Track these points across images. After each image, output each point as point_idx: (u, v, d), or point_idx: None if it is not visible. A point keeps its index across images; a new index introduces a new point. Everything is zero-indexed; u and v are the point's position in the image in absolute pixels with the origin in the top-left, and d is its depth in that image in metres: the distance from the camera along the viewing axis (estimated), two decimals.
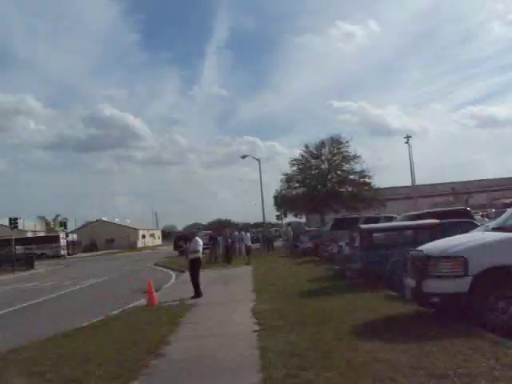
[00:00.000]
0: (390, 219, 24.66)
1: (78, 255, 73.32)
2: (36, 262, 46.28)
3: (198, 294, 14.74)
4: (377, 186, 49.63)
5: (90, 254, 77.37)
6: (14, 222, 53.89)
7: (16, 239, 59.22)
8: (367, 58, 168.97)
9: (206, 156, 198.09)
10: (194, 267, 15.14)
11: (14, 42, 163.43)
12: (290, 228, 43.22)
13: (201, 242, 15.46)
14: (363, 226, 16.11)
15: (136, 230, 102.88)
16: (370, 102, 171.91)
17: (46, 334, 10.60)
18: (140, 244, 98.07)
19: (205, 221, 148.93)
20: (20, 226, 60.43)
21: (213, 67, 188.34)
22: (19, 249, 59.76)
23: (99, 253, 78.29)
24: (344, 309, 10.16)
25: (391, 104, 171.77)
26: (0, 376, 7.36)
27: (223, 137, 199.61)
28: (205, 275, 16.73)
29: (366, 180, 48.67)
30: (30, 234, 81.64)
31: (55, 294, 20.53)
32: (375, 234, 15.37)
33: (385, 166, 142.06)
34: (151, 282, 14.58)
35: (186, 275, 20.58)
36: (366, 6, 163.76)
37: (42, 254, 65.98)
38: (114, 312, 13.28)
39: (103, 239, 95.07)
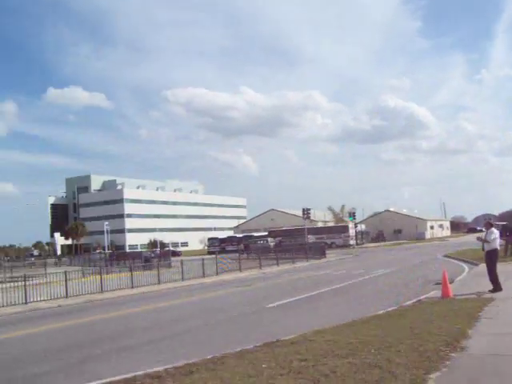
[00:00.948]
0: None
1: (365, 245, 75.52)
2: (327, 251, 48.50)
3: (496, 288, 13.76)
4: None
5: (378, 244, 78.94)
6: (306, 213, 58.15)
7: (308, 229, 63.95)
8: None
9: (498, 142, 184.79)
10: (490, 259, 14.14)
11: (301, 41, 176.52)
12: None
13: (496, 233, 14.36)
14: None
15: (424, 220, 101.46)
16: None
17: (343, 319, 11.21)
18: (428, 235, 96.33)
19: (496, 211, 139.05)
20: (311, 217, 64.90)
21: (502, 47, 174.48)
22: (311, 238, 64.57)
23: (387, 243, 79.18)
24: None
25: None
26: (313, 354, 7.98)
27: None
28: (502, 269, 15.54)
29: None
30: (320, 224, 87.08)
31: (347, 283, 21.46)
32: None
33: None
34: (446, 272, 14.13)
35: (479, 268, 19.58)
36: None
37: (332, 243, 69.89)
38: (408, 302, 13.36)
39: (391, 229, 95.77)
